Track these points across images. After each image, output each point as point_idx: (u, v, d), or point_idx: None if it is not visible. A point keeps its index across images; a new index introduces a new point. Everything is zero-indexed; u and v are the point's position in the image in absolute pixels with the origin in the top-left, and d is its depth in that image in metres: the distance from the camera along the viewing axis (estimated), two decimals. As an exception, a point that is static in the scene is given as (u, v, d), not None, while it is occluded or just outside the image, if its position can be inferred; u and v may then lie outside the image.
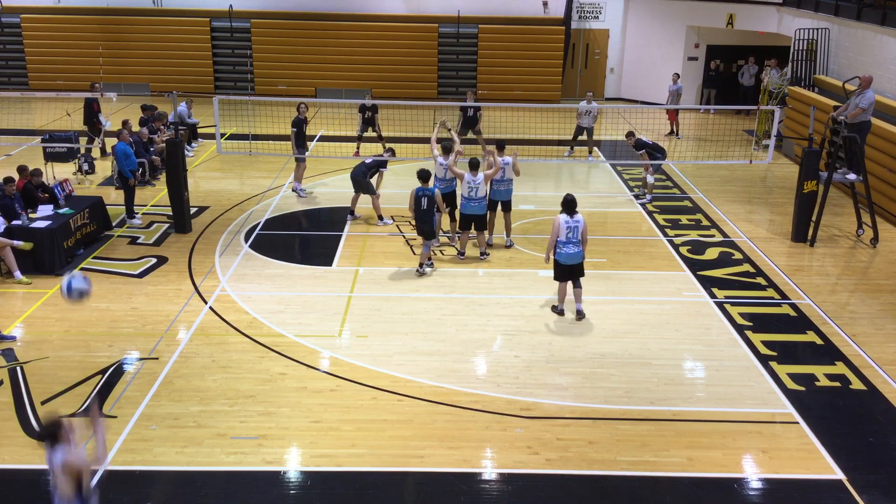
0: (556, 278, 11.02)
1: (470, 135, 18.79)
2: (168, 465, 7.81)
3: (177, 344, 10.17)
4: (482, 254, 13.02)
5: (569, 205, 10.65)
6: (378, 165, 14.66)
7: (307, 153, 16.82)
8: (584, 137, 19.33)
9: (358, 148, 18.91)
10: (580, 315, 10.89)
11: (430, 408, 8.83)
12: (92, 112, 18.74)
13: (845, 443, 8.33)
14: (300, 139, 16.29)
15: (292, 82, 26.06)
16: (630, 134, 16.44)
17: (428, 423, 8.54)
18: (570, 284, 11.02)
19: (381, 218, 14.61)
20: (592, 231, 14.47)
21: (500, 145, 13.24)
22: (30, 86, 26.44)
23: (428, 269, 12.32)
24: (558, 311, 11.09)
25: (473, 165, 12.55)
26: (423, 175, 12.15)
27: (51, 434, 5.81)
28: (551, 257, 10.92)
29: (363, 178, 14.43)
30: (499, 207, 13.39)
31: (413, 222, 12.54)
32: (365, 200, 14.84)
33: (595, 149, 19.92)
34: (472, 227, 12.82)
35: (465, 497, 7.47)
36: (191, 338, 10.33)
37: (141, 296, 11.55)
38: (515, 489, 7.60)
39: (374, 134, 18.92)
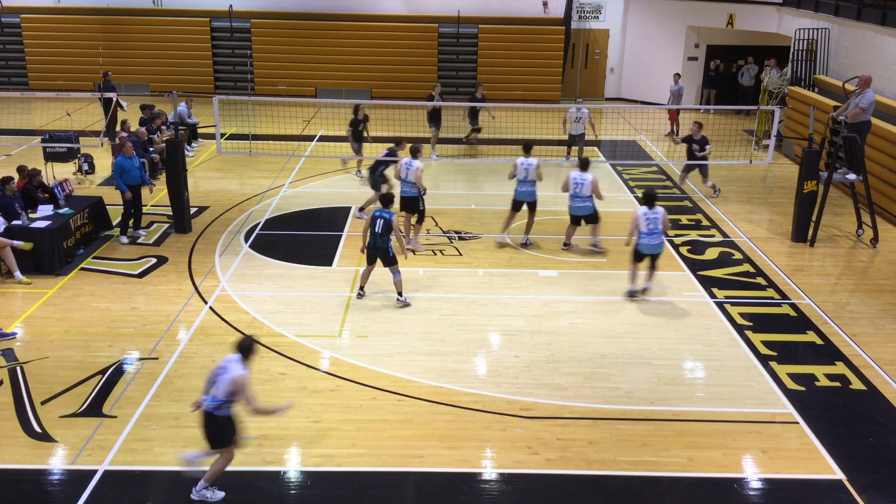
0: (634, 260, 11.59)
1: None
2: (168, 465, 7.81)
3: (177, 344, 10.17)
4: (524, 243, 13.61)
5: (649, 198, 11.32)
6: (389, 163, 14.63)
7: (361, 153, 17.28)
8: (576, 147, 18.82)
9: (359, 166, 17.98)
10: (645, 290, 11.65)
11: (430, 408, 8.83)
12: (109, 101, 19.34)
13: (845, 443, 8.34)
14: (357, 136, 17.25)
15: (292, 82, 26.06)
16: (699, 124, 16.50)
17: (428, 423, 8.54)
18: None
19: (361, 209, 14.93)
20: (592, 231, 14.49)
21: (527, 146, 13.47)
22: (30, 86, 26.44)
23: (409, 301, 11.33)
24: (630, 292, 11.61)
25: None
26: (387, 199, 11.32)
27: (245, 348, 7.01)
28: (632, 241, 11.50)
29: (373, 174, 14.67)
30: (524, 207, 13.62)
31: (365, 245, 11.25)
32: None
33: (574, 149, 19.05)
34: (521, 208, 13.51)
35: (465, 497, 7.47)
36: (191, 338, 10.33)
37: (141, 296, 11.55)
38: (515, 489, 7.60)
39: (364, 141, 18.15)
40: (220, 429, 7.12)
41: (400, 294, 11.26)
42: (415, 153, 13.27)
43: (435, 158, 19.06)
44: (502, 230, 13.73)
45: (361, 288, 11.53)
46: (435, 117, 19.27)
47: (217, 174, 17.97)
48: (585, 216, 13.25)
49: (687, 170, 16.99)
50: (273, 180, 17.33)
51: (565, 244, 13.56)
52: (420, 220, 13.49)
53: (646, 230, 11.24)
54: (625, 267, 12.79)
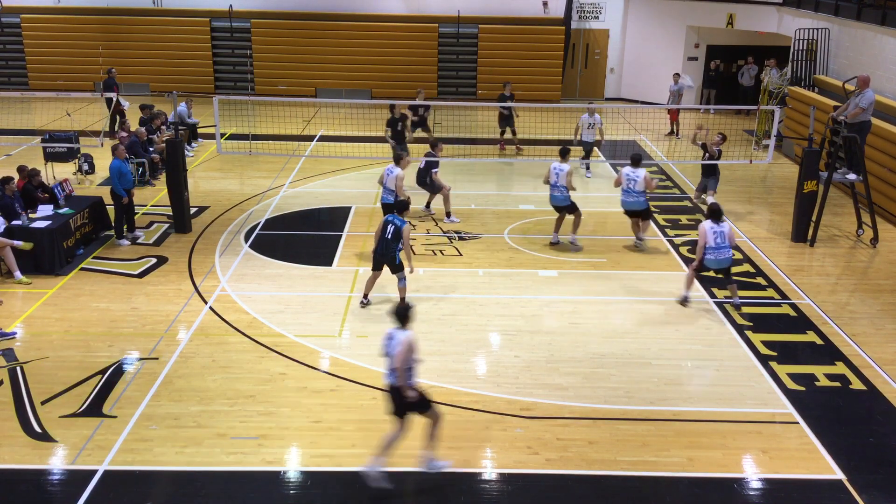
0: (696, 271, 11.44)
1: (420, 132, 18.48)
2: (168, 465, 7.81)
3: (177, 344, 10.17)
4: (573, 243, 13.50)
5: (715, 213, 11.16)
6: (430, 166, 14.62)
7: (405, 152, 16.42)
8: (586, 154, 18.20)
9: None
10: (738, 308, 11.32)
11: (430, 408, 8.81)
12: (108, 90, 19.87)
13: (845, 443, 8.33)
14: (398, 136, 16.76)
15: (292, 82, 26.06)
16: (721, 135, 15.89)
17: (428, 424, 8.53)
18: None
19: (448, 215, 14.71)
20: (592, 231, 14.51)
21: (563, 152, 13.47)
22: (30, 86, 26.44)
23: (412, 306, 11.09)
24: (683, 299, 11.47)
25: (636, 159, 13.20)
26: (402, 206, 11.05)
27: (401, 314, 7.52)
28: (699, 257, 11.25)
29: (424, 181, 14.63)
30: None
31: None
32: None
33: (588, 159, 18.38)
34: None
35: (465, 497, 7.47)
36: (191, 338, 10.33)
37: (141, 296, 11.55)
38: (515, 489, 7.60)
39: (424, 134, 18.37)
40: (411, 397, 7.50)
41: (403, 300, 10.89)
42: (397, 160, 13.03)
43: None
44: (554, 231, 13.70)
45: (365, 296, 11.26)
46: (416, 127, 18.28)
47: (217, 174, 17.97)
48: (635, 211, 13.41)
49: (703, 189, 15.99)
50: (273, 180, 17.33)
51: (638, 238, 13.64)
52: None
53: (713, 244, 11.04)
54: (624, 266, 12.82)
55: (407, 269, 10.91)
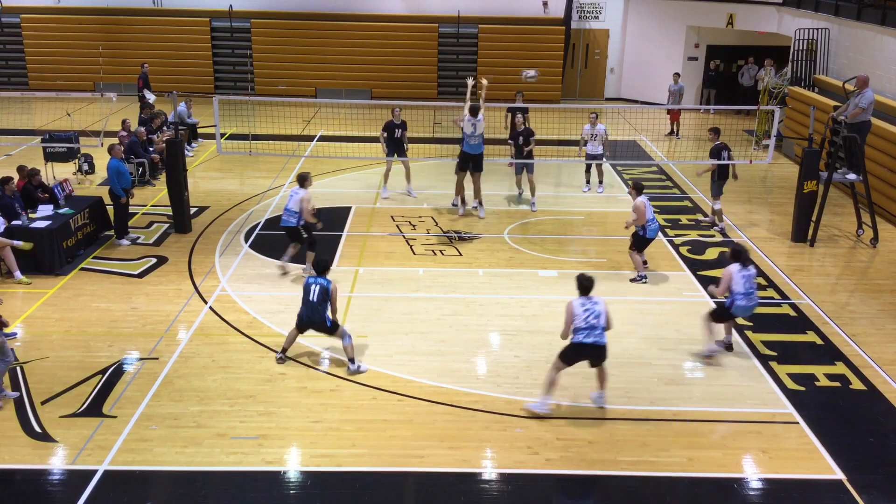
0: (722, 319, 10.16)
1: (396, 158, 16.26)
2: (168, 465, 7.81)
3: (177, 344, 10.17)
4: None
5: (740, 254, 9.78)
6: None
7: (402, 157, 16.00)
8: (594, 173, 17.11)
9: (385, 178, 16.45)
10: (730, 348, 10.25)
11: (430, 408, 8.83)
12: (146, 85, 21.06)
13: (845, 443, 8.34)
14: (396, 143, 15.73)
15: (292, 82, 26.06)
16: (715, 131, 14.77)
17: (428, 423, 8.54)
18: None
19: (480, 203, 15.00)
20: (592, 231, 14.52)
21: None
22: (30, 86, 26.42)
23: (363, 367, 9.64)
24: (710, 353, 10.08)
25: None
26: (322, 265, 9.66)
27: (583, 284, 8.68)
28: (719, 297, 10.21)
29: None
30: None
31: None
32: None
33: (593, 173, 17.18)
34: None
35: (465, 497, 7.47)
36: (191, 338, 10.33)
37: (141, 296, 11.55)
38: (515, 489, 7.60)
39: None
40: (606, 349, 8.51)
41: (352, 360, 9.53)
42: (301, 181, 12.17)
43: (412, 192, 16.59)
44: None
45: (284, 350, 9.82)
46: (397, 145, 15.96)
47: (217, 174, 17.97)
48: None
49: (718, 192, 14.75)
50: (273, 180, 17.33)
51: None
52: (308, 247, 12.19)
53: (743, 290, 9.67)
54: (624, 267, 12.80)
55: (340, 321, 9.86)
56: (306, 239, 12.21)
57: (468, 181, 14.95)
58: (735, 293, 9.70)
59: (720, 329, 10.26)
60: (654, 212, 12.18)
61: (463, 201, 15.16)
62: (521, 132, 15.35)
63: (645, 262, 12.62)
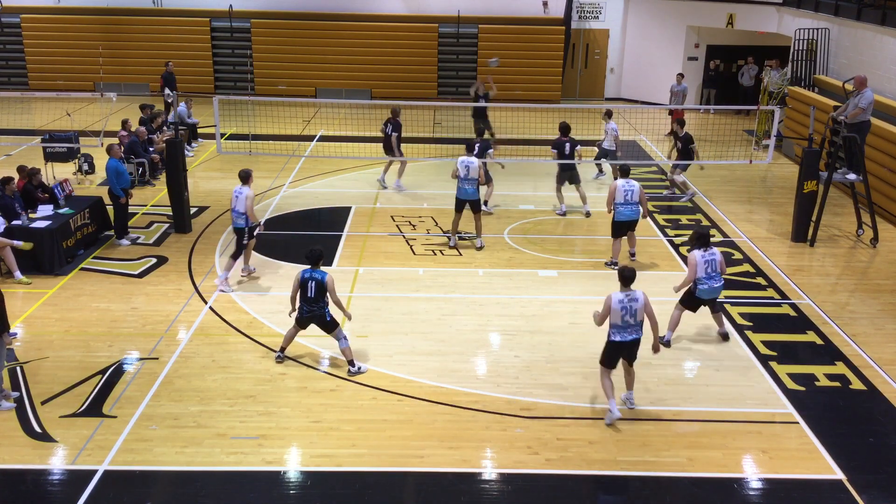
0: (686, 307, 10.30)
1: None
2: (168, 465, 7.81)
3: (177, 344, 10.17)
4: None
5: (702, 238, 10.08)
6: (484, 149, 14.50)
7: (400, 155, 16.48)
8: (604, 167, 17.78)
9: (387, 168, 17.03)
10: (726, 337, 10.48)
11: (430, 408, 8.83)
12: (168, 84, 21.42)
13: (845, 443, 8.34)
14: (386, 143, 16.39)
15: (292, 82, 26.07)
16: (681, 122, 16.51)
17: (428, 423, 8.54)
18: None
19: (485, 203, 14.89)
20: (592, 231, 14.52)
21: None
22: (30, 86, 26.43)
23: (363, 368, 9.63)
24: (667, 342, 10.27)
25: (624, 172, 12.62)
26: (315, 256, 9.37)
27: (625, 277, 8.43)
28: (682, 292, 10.31)
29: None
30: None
31: (295, 310, 9.49)
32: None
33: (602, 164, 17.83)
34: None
35: (465, 497, 7.47)
36: (191, 338, 10.33)
37: (141, 296, 11.55)
38: (515, 489, 7.60)
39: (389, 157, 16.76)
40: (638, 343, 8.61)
41: (351, 363, 9.50)
42: (244, 179, 11.72)
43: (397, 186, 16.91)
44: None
45: (282, 350, 9.77)
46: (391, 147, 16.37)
47: (217, 174, 17.97)
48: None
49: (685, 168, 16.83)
50: (273, 180, 17.33)
51: (632, 254, 12.97)
52: (235, 255, 11.96)
53: (704, 274, 9.96)
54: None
55: (346, 317, 9.69)
56: (245, 242, 11.90)
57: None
58: (698, 277, 9.98)
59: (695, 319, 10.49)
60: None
61: (457, 235, 13.98)
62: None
63: (632, 254, 12.99)
